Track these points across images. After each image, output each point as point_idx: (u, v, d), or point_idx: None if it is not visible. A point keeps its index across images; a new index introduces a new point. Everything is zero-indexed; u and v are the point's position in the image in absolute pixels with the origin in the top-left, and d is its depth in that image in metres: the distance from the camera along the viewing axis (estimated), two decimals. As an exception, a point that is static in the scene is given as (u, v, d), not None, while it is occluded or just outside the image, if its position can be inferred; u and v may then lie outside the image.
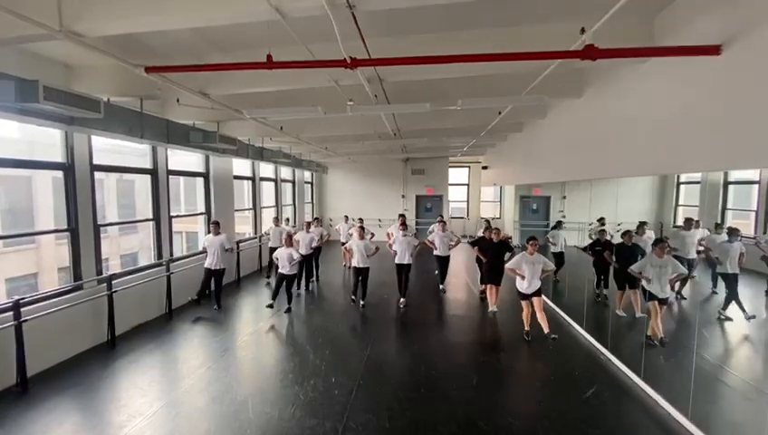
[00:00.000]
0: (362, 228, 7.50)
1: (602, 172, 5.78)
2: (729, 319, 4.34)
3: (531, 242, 5.74)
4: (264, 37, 4.20)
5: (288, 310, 7.06)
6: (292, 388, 4.41)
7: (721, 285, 4.34)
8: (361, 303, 7.30)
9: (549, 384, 4.61)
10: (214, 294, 7.26)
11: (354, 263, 7.30)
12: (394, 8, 3.30)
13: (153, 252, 7.09)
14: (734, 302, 4.26)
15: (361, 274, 7.28)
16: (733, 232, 4.23)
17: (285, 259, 6.95)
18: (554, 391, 4.42)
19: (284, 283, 7.05)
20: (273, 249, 8.50)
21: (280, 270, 7.08)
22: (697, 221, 4.60)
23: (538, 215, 11.03)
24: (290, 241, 7.17)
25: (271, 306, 7.01)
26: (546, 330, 5.60)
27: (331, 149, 12.20)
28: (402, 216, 9.54)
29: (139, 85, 5.04)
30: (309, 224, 8.97)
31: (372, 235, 7.65)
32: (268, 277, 9.46)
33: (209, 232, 7.36)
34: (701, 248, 4.63)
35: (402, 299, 7.50)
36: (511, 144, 11.46)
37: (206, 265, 7.18)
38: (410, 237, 7.69)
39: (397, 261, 7.53)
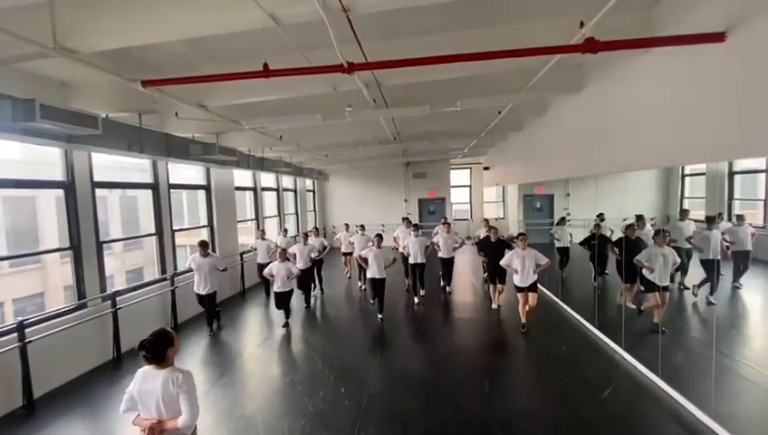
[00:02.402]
0: (380, 237, 7.12)
1: (606, 167, 5.69)
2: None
3: (521, 238, 6.00)
4: (260, 46, 4.19)
5: (286, 325, 6.69)
6: (301, 400, 4.33)
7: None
8: (380, 317, 6.87)
9: (564, 386, 4.50)
10: (206, 318, 6.64)
11: (371, 274, 6.87)
12: (389, 10, 3.26)
13: (157, 267, 7.05)
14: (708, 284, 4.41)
15: (379, 285, 6.85)
16: (710, 220, 4.24)
17: (284, 275, 6.56)
18: (570, 393, 4.31)
19: (283, 300, 6.69)
20: (261, 265, 7.78)
21: (275, 289, 6.71)
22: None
23: (542, 213, 10.93)
24: (284, 254, 6.80)
25: (286, 325, 6.70)
26: (523, 320, 6.04)
27: (332, 156, 12.18)
28: (406, 219, 9.70)
29: (137, 100, 5.03)
30: (306, 235, 8.68)
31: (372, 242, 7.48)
32: (267, 295, 8.61)
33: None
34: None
35: (421, 294, 7.91)
36: (512, 143, 11.39)
37: (195, 291, 6.45)
38: (423, 238, 8.02)
39: (413, 261, 7.89)
